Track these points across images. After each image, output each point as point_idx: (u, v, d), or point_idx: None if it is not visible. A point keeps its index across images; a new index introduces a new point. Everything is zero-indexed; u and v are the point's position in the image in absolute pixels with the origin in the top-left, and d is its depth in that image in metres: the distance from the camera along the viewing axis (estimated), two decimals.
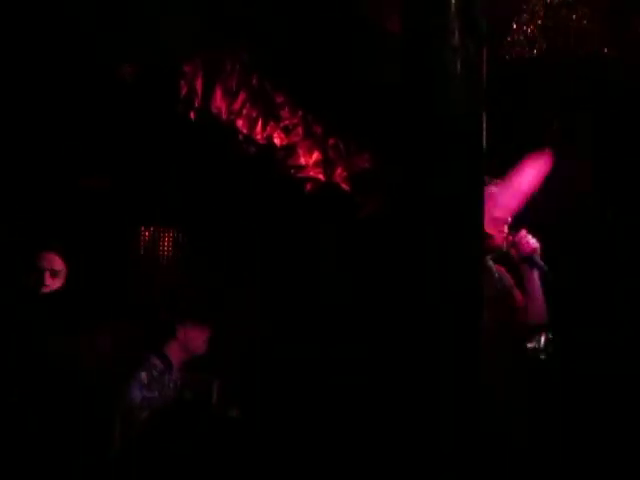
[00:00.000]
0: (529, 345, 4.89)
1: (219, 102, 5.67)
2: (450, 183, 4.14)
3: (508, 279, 4.88)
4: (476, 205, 4.18)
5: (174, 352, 5.26)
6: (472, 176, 4.21)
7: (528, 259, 4.78)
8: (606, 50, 5.42)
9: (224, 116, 5.71)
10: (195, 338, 5.33)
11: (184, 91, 5.56)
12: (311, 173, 6.02)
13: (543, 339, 4.91)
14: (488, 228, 4.62)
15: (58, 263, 5.42)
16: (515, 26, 5.60)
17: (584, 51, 5.44)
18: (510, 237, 4.83)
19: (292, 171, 5.99)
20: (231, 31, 5.60)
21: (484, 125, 4.58)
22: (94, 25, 5.09)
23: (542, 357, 4.88)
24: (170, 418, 4.83)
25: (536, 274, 4.85)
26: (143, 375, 5.11)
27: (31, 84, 5.45)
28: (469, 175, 4.21)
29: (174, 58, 5.49)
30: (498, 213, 4.81)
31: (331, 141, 6.06)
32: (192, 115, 5.63)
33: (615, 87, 5.59)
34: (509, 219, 4.87)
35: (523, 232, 4.81)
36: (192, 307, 5.47)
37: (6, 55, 5.32)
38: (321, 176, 6.05)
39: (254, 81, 5.79)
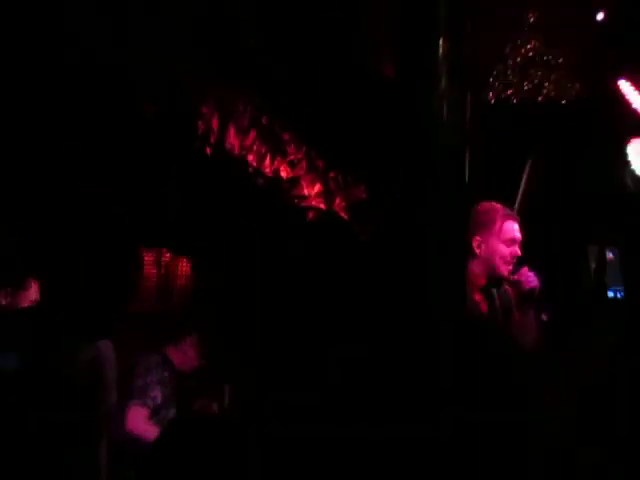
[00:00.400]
0: None
1: (232, 139, 5.91)
2: (438, 211, 4.37)
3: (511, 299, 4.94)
4: (461, 229, 4.40)
5: (175, 357, 5.72)
6: (455, 205, 4.42)
7: (527, 297, 4.82)
8: (573, 96, 5.84)
9: (237, 151, 5.94)
10: (192, 351, 5.79)
11: (201, 129, 5.80)
12: (313, 203, 6.25)
13: None
14: (498, 265, 4.84)
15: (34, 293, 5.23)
16: (495, 73, 6.02)
17: (554, 96, 5.85)
18: (512, 276, 4.84)
19: (296, 200, 6.21)
20: (244, 77, 5.86)
21: (467, 159, 5.00)
22: (126, 74, 5.41)
23: None
24: (185, 425, 5.19)
25: (532, 313, 4.90)
26: (165, 375, 5.56)
27: (58, 112, 5.63)
28: (453, 205, 4.42)
29: (193, 100, 5.76)
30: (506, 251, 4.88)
31: (331, 174, 6.29)
32: (208, 150, 5.86)
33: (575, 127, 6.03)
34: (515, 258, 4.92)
35: (524, 270, 4.82)
36: (203, 320, 5.90)
37: (42, 86, 5.51)
38: (322, 205, 6.27)
39: (264, 121, 6.03)
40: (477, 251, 4.81)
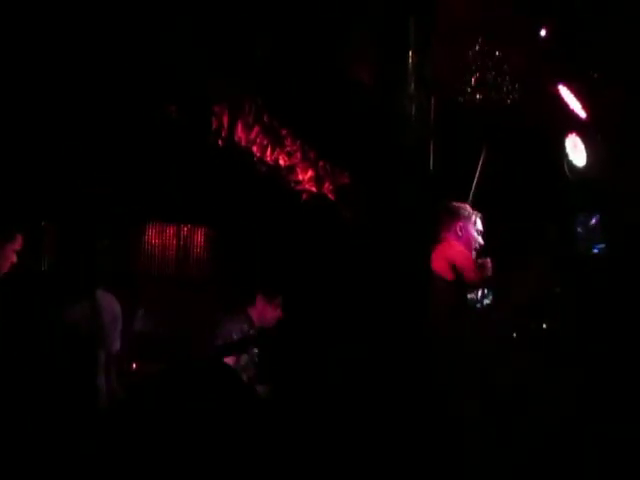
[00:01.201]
0: (469, 296, 5.72)
1: (240, 133, 6.43)
2: (405, 195, 5.15)
3: None
4: (424, 210, 5.15)
5: (255, 315, 6.30)
6: (421, 190, 5.22)
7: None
8: (518, 102, 6.43)
9: (243, 144, 6.46)
10: (267, 312, 6.32)
11: (214, 125, 6.34)
12: (306, 186, 6.76)
13: (480, 292, 5.76)
14: (472, 248, 5.85)
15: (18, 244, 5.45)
16: (458, 80, 6.50)
17: (504, 102, 6.44)
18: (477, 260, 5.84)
19: (292, 184, 6.72)
20: (250, 83, 6.44)
21: (431, 152, 5.47)
22: (154, 79, 6.03)
23: (477, 306, 5.69)
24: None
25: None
26: (245, 327, 6.16)
27: (100, 119, 6.27)
28: (419, 190, 5.21)
29: (208, 102, 6.32)
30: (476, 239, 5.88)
31: (321, 163, 6.80)
32: (220, 143, 6.40)
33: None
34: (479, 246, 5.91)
35: (488, 260, 5.86)
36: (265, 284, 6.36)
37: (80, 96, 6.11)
38: (314, 189, 6.78)
39: (265, 118, 6.55)
40: (459, 234, 5.89)
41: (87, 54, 6.05)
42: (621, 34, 6.35)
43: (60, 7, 5.81)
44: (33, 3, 5.81)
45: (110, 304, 5.80)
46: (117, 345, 5.85)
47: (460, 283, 5.76)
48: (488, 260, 5.87)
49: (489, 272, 5.86)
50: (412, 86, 5.48)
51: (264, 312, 6.38)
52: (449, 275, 5.74)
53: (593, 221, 6.67)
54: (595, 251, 6.67)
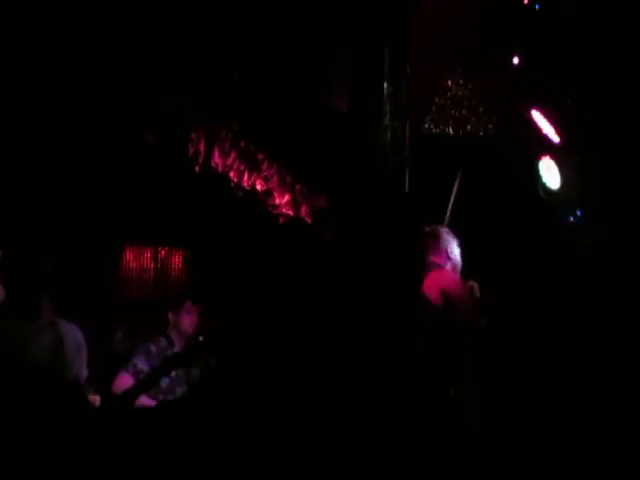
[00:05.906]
0: None
1: (217, 159, 6.52)
2: (382, 219, 5.40)
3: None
4: (399, 233, 5.40)
5: (173, 334, 6.51)
6: (397, 214, 5.49)
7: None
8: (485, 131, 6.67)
9: (220, 169, 6.55)
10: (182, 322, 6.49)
11: (191, 151, 6.43)
12: (283, 210, 6.79)
13: None
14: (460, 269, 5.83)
15: None
16: (430, 111, 6.68)
17: (472, 131, 6.65)
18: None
19: (269, 209, 6.77)
20: (226, 111, 6.55)
21: (407, 179, 5.75)
22: (134, 108, 6.14)
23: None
24: None
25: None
26: (152, 348, 6.35)
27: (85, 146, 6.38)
28: (395, 214, 5.47)
29: (184, 128, 6.42)
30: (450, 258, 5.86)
31: (298, 187, 6.82)
32: (197, 169, 6.49)
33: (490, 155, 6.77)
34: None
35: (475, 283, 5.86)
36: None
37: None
38: (291, 212, 6.81)
39: (242, 144, 6.61)
40: (450, 257, 5.88)
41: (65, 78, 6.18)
42: (592, 58, 6.60)
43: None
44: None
45: (73, 333, 5.53)
46: (85, 374, 5.61)
47: (451, 311, 5.76)
48: (474, 283, 5.87)
49: (478, 294, 5.91)
50: (387, 116, 5.69)
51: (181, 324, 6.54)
52: (441, 303, 5.79)
53: None
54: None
